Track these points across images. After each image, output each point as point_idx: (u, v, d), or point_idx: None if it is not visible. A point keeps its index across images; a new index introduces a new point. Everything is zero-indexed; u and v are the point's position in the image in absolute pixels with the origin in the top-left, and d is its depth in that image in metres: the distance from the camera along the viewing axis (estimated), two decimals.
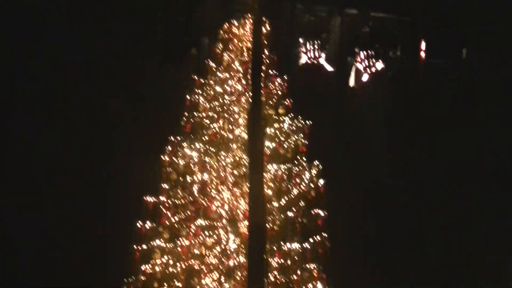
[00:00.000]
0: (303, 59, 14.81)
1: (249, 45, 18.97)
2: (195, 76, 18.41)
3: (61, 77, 22.28)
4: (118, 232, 18.26)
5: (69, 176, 20.93)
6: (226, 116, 18.11)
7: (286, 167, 17.83)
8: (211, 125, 18.00)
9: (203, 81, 18.39)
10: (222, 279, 16.30)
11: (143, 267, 16.52)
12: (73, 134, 21.67)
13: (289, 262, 16.77)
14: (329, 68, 15.67)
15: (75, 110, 21.55)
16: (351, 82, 19.00)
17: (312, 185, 17.71)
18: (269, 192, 17.16)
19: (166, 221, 16.98)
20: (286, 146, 18.18)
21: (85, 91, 22.13)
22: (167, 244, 16.72)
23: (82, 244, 19.71)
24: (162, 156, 17.70)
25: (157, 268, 16.50)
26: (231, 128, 18.03)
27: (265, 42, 18.52)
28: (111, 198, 20.29)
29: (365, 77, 18.90)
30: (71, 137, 21.59)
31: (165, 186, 17.43)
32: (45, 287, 19.34)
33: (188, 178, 17.51)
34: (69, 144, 21.48)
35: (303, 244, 17.02)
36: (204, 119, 18.11)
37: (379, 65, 17.79)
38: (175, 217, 17.04)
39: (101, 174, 20.86)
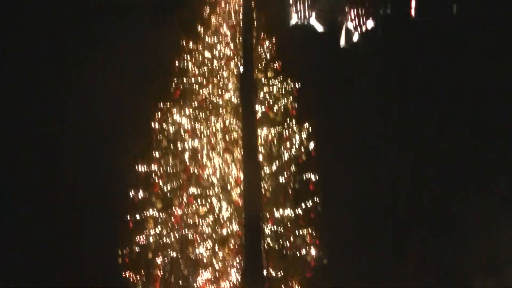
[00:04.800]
0: (294, 19, 14.59)
1: (237, 8, 18.75)
2: (183, 42, 18.17)
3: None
4: (110, 202, 18.24)
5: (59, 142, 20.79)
6: (216, 81, 17.96)
7: (276, 131, 17.75)
8: (200, 90, 17.87)
9: (191, 47, 18.17)
10: (216, 247, 16.35)
11: (137, 238, 16.57)
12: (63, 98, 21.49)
13: (281, 228, 16.83)
14: (320, 28, 15.49)
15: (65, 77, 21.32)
16: (342, 42, 18.80)
17: (303, 149, 17.67)
18: (260, 157, 17.12)
19: (159, 191, 16.98)
20: (275, 110, 18.08)
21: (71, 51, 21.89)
22: (160, 214, 16.72)
23: (76, 214, 19.68)
24: (151, 123, 17.60)
25: (151, 239, 16.54)
26: (220, 93, 17.91)
27: (253, 4, 18.29)
28: (102, 167, 20.17)
29: (355, 37, 18.69)
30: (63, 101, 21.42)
31: (156, 154, 17.37)
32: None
33: (179, 145, 17.42)
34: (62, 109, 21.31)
35: (296, 210, 17.06)
36: (194, 85, 17.95)
37: (370, 23, 17.59)
38: (167, 186, 17.00)
39: (91, 142, 20.69)
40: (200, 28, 18.38)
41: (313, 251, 16.71)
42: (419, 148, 22.86)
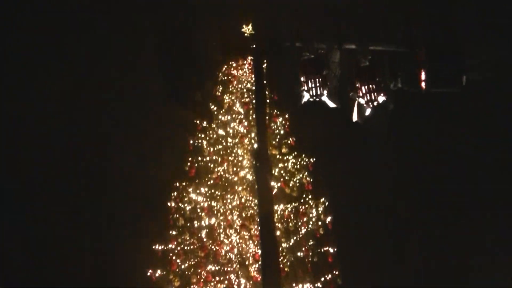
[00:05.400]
0: (306, 97, 14.77)
1: (249, 85, 19.02)
2: (197, 121, 18.38)
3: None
4: (130, 282, 18.08)
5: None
6: (230, 158, 18.08)
7: (292, 206, 17.77)
8: (215, 168, 17.96)
9: (205, 125, 18.37)
10: None
11: None
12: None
13: None
14: (332, 104, 15.58)
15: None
16: (354, 117, 18.87)
17: (320, 223, 17.64)
18: (278, 233, 17.04)
19: (177, 268, 16.90)
20: (291, 185, 18.12)
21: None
22: None
23: None
24: (168, 203, 17.66)
25: None
26: (235, 170, 18.00)
27: (265, 82, 18.53)
28: (121, 250, 20.11)
29: (368, 111, 18.77)
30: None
31: (173, 232, 17.37)
32: None
33: (196, 223, 17.43)
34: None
35: (315, 284, 16.91)
36: (209, 163, 18.07)
37: (381, 98, 17.69)
38: (185, 263, 16.94)
39: (109, 225, 20.72)
40: (213, 107, 18.62)
41: None
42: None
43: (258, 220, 16.48)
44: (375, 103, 16.14)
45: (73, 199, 21.39)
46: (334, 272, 17.08)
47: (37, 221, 20.76)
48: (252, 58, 17.85)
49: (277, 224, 17.06)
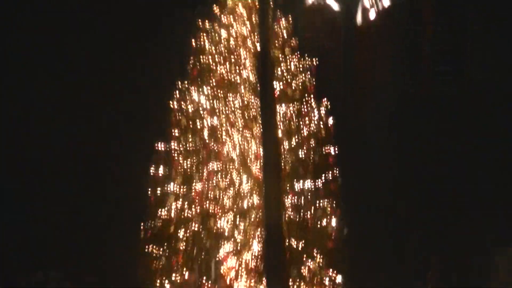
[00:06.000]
0: None
1: None
2: (200, 21, 18.24)
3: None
4: (132, 178, 18.31)
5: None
6: (233, 59, 18.01)
7: (295, 107, 17.80)
8: (218, 69, 17.92)
9: (208, 26, 18.24)
10: (237, 220, 16.42)
11: (158, 212, 16.69)
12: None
13: (302, 200, 16.87)
14: (336, 6, 15.49)
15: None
16: (358, 19, 18.69)
17: (321, 124, 17.71)
18: (280, 133, 17.14)
19: (179, 167, 17.07)
20: (293, 86, 18.10)
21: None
22: (181, 189, 16.82)
23: (99, 191, 19.78)
24: (170, 102, 17.70)
25: (172, 213, 16.65)
26: (238, 71, 17.96)
27: None
28: (122, 146, 20.24)
29: (372, 14, 18.51)
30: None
31: (176, 132, 17.49)
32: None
33: (198, 123, 17.53)
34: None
35: (316, 182, 17.09)
36: (211, 63, 18.01)
37: (386, 1, 17.41)
38: (187, 162, 17.10)
39: (112, 122, 20.76)
40: (215, 8, 18.45)
41: (333, 222, 16.72)
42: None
43: (260, 120, 16.64)
44: (380, 6, 15.93)
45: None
46: (335, 171, 17.22)
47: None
48: None
49: (279, 124, 17.14)
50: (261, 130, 16.20)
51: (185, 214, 16.54)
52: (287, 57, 18.28)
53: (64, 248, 19.49)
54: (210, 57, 17.97)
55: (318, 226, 16.67)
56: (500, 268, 21.75)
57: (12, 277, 19.77)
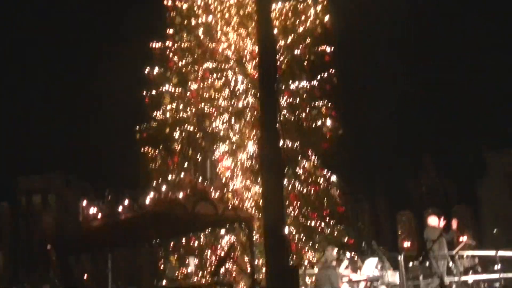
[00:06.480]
0: None
1: None
2: None
3: None
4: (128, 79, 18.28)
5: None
6: None
7: (291, 4, 17.49)
8: None
9: None
10: (232, 120, 16.38)
11: (154, 113, 16.71)
12: None
13: (297, 100, 16.82)
14: None
15: None
16: None
17: (318, 22, 17.44)
18: (275, 30, 16.85)
19: (174, 66, 16.94)
20: None
21: None
22: (176, 89, 16.77)
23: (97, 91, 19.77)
24: (164, 1, 17.40)
25: (167, 114, 16.65)
26: None
27: None
28: (118, 46, 20.08)
29: None
30: None
31: (170, 31, 17.29)
32: None
33: (193, 21, 17.30)
34: None
35: (311, 82, 17.00)
36: None
37: None
38: (183, 61, 16.97)
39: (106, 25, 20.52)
40: None
41: (328, 122, 16.73)
42: None
43: (255, 17, 16.35)
44: None
45: None
46: (331, 70, 17.09)
47: None
48: None
49: (275, 22, 16.82)
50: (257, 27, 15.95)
51: (181, 115, 16.58)
52: None
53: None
54: None
55: (313, 126, 16.68)
56: None
57: None
